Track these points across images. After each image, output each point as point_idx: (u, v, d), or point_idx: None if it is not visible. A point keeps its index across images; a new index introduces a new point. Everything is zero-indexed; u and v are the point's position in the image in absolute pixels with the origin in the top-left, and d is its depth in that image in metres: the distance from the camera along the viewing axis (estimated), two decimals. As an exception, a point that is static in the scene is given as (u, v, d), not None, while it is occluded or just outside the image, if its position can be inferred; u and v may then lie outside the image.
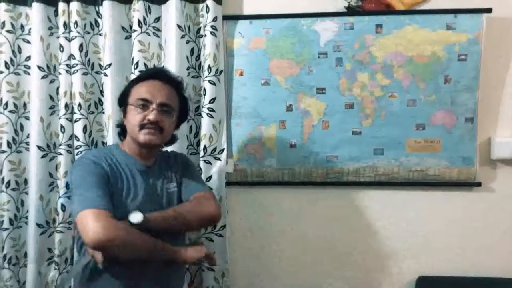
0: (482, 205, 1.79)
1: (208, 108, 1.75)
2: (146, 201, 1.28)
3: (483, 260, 1.80)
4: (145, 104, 1.28)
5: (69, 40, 1.76)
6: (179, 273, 1.41)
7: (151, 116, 1.26)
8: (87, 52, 1.78)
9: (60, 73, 1.77)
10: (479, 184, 1.78)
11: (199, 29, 1.79)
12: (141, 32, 1.75)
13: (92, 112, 1.80)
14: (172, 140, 1.44)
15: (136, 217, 1.17)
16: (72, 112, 1.77)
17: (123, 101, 1.35)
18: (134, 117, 1.28)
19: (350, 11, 1.77)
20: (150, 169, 1.34)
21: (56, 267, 1.80)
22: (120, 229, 1.13)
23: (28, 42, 1.80)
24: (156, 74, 1.37)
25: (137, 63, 1.74)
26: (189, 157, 1.79)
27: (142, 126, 1.27)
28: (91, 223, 1.10)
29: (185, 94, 1.43)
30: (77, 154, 1.76)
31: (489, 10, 1.71)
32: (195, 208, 1.31)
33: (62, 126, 1.77)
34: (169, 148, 1.49)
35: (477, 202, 1.79)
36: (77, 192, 1.19)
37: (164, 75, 1.37)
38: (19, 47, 1.80)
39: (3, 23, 1.77)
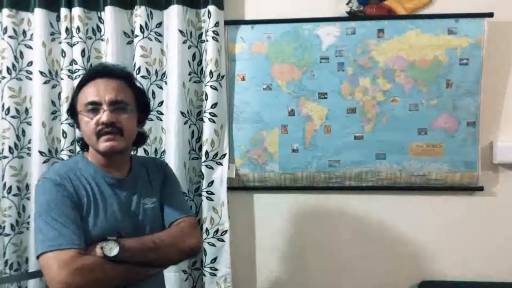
0: (485, 209, 1.79)
1: (210, 113, 1.75)
2: (119, 221, 1.15)
3: (486, 265, 1.80)
4: (94, 107, 1.12)
5: (71, 45, 1.76)
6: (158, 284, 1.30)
7: (104, 117, 1.10)
8: (89, 57, 1.78)
9: (62, 79, 1.77)
10: (481, 189, 1.77)
11: (201, 34, 1.80)
12: (143, 38, 1.75)
13: (94, 117, 1.80)
14: (141, 139, 1.29)
15: (111, 250, 1.04)
16: (74, 118, 1.76)
17: (73, 111, 1.19)
18: (87, 125, 1.12)
19: (352, 16, 1.77)
20: (122, 182, 1.19)
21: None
22: (89, 271, 1.01)
23: (30, 47, 1.81)
24: (99, 72, 1.19)
25: (139, 68, 1.75)
26: (191, 162, 1.80)
27: (98, 134, 1.11)
28: (54, 272, 0.99)
29: (138, 84, 1.26)
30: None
31: (490, 15, 1.71)
32: (176, 240, 1.18)
33: (64, 132, 1.77)
34: (142, 150, 1.38)
35: (480, 207, 1.79)
36: (38, 224, 1.06)
37: (108, 70, 1.20)
38: (21, 53, 1.81)
39: (5, 28, 1.77)
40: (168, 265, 1.26)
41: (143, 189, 1.23)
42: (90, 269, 1.02)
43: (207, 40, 1.75)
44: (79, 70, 1.75)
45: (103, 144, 1.12)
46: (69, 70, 1.77)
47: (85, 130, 1.14)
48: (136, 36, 1.75)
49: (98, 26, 1.81)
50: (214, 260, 1.78)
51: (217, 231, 1.78)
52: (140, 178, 1.25)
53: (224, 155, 1.79)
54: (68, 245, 1.03)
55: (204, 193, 1.77)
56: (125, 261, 1.07)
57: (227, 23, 1.79)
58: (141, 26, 1.74)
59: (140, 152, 1.71)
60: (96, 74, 1.18)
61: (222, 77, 1.77)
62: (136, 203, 1.20)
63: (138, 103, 1.22)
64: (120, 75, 1.20)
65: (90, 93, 1.14)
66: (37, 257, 1.04)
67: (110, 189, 1.16)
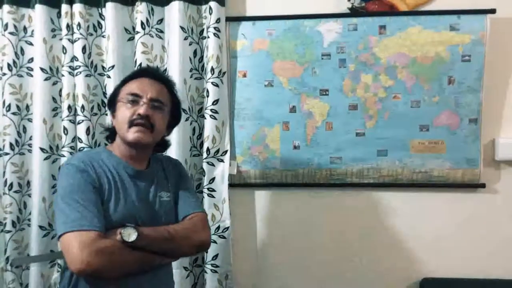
0: (486, 206, 1.79)
1: (211, 110, 1.75)
2: (137, 208, 1.19)
3: (487, 262, 1.79)
4: (135, 99, 1.20)
5: (72, 42, 1.75)
6: (168, 276, 1.35)
7: (141, 110, 1.18)
8: (90, 54, 1.78)
9: (63, 75, 1.77)
10: (483, 186, 1.77)
11: (202, 31, 1.79)
12: (144, 34, 1.75)
13: (95, 114, 1.80)
14: (165, 145, 1.38)
15: (130, 235, 1.08)
16: (75, 114, 1.76)
17: (113, 102, 1.28)
18: (124, 113, 1.20)
19: (354, 12, 1.77)
20: (141, 174, 1.25)
21: (59, 269, 1.79)
22: (108, 253, 1.05)
23: (31, 44, 1.80)
24: (146, 72, 1.32)
25: (140, 64, 1.74)
26: (192, 159, 1.80)
27: (131, 123, 1.18)
28: (76, 252, 1.02)
29: (177, 95, 1.34)
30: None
31: (493, 11, 1.70)
32: (189, 233, 1.23)
33: (65, 128, 1.76)
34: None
35: (481, 204, 1.79)
36: (61, 206, 1.10)
37: (155, 73, 1.32)
38: (22, 49, 1.80)
39: (6, 25, 1.77)
40: (179, 256, 1.33)
41: (159, 183, 1.28)
42: (110, 251, 1.05)
43: (208, 37, 1.74)
44: (80, 66, 1.74)
45: (133, 134, 1.18)
46: (70, 67, 1.76)
47: (120, 117, 1.21)
48: (137, 32, 1.75)
49: (99, 23, 1.81)
50: (216, 257, 1.78)
51: (218, 228, 1.78)
52: (157, 173, 1.31)
53: (226, 151, 1.79)
54: (90, 226, 1.06)
55: (205, 190, 1.77)
56: (141, 248, 1.11)
57: (229, 19, 1.79)
58: (142, 23, 1.74)
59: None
60: (143, 73, 1.30)
61: (224, 73, 1.76)
62: (153, 194, 1.25)
63: (173, 110, 1.30)
64: (164, 80, 1.30)
65: (134, 86, 1.23)
66: (58, 238, 1.08)
67: (130, 179, 1.22)
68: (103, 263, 1.03)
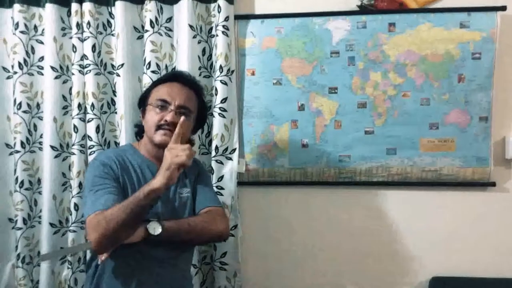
0: (497, 205, 1.77)
1: (219, 108, 1.75)
2: (158, 205, 1.27)
3: (498, 261, 1.78)
4: (163, 105, 1.30)
5: (82, 40, 1.77)
6: (187, 276, 1.43)
7: (169, 117, 1.27)
8: (99, 52, 1.79)
9: (73, 74, 1.78)
10: (493, 184, 1.75)
11: (210, 29, 1.80)
12: (153, 32, 1.75)
13: (105, 112, 1.81)
14: (189, 144, 1.42)
15: (155, 229, 1.19)
16: (85, 112, 1.77)
17: (143, 102, 1.38)
18: (152, 117, 1.30)
19: (363, 9, 1.76)
20: None
21: (69, 266, 1.80)
22: (103, 223, 1.11)
23: (42, 42, 1.81)
24: (177, 76, 1.40)
25: (149, 63, 1.75)
26: (201, 157, 1.81)
27: (159, 127, 1.28)
28: (90, 235, 1.13)
29: (204, 101, 1.44)
30: (90, 154, 1.77)
31: (503, 8, 1.69)
32: (208, 225, 1.30)
33: (75, 126, 1.78)
34: None
35: (492, 202, 1.77)
36: (85, 195, 1.23)
37: (185, 78, 1.40)
38: (32, 48, 1.82)
39: (17, 24, 1.78)
40: (200, 245, 1.52)
41: (179, 181, 1.34)
42: (107, 220, 1.11)
43: (217, 35, 1.74)
44: (89, 65, 1.75)
45: (159, 137, 1.28)
46: (80, 65, 1.77)
47: (149, 120, 1.31)
48: (147, 31, 1.75)
49: (108, 21, 1.81)
50: (224, 254, 1.78)
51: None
52: None
53: (234, 150, 1.79)
54: (103, 207, 1.14)
55: (214, 188, 1.77)
56: (164, 240, 1.21)
57: (237, 17, 1.79)
58: (151, 21, 1.74)
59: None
60: (173, 77, 1.39)
61: (232, 71, 1.76)
62: (173, 191, 1.34)
63: (199, 114, 1.39)
64: (193, 85, 1.39)
65: (164, 92, 1.32)
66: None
67: (152, 177, 1.25)
68: (104, 232, 1.11)
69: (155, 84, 1.39)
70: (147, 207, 1.14)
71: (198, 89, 1.41)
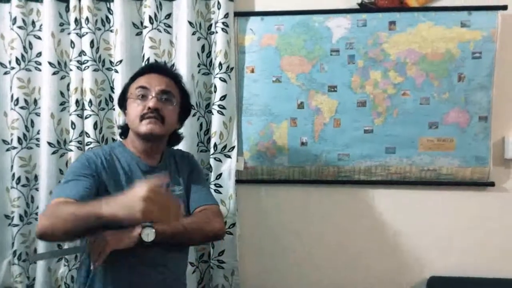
0: (496, 205, 1.77)
1: (218, 105, 1.74)
2: None
3: (496, 261, 1.78)
4: (144, 93, 1.25)
5: (80, 36, 1.75)
6: (180, 278, 1.38)
7: (151, 103, 1.22)
8: (98, 48, 1.77)
9: (71, 69, 1.77)
10: (492, 184, 1.75)
11: (210, 26, 1.79)
12: (152, 29, 1.74)
13: (103, 109, 1.80)
14: (177, 138, 1.41)
15: (149, 235, 1.14)
16: (83, 109, 1.76)
17: (123, 100, 1.34)
18: (134, 109, 1.25)
19: (363, 7, 1.75)
20: (154, 169, 1.29)
21: (66, 263, 1.80)
22: (52, 215, 1.04)
23: (39, 38, 1.80)
24: (153, 67, 1.36)
25: (148, 59, 1.74)
26: (199, 154, 1.80)
27: (142, 117, 1.23)
28: (41, 219, 1.05)
29: (185, 88, 1.38)
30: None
31: (504, 8, 1.68)
32: (203, 225, 1.26)
33: (72, 123, 1.76)
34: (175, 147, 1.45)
35: (491, 202, 1.77)
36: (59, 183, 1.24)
37: (162, 67, 1.36)
38: (30, 43, 1.80)
39: (15, 19, 1.76)
40: (195, 245, 1.51)
41: (171, 178, 1.31)
42: (56, 213, 1.05)
43: (216, 32, 1.73)
44: (88, 61, 1.74)
45: (145, 126, 1.22)
46: (78, 61, 1.76)
47: (131, 113, 1.25)
48: (145, 27, 1.74)
49: (107, 17, 1.80)
50: (222, 253, 1.77)
51: (225, 224, 1.76)
52: (170, 168, 1.34)
53: (233, 147, 1.78)
54: (60, 196, 1.10)
55: (212, 186, 1.76)
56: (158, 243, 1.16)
57: (237, 14, 1.78)
58: (150, 17, 1.73)
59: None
60: (150, 69, 1.34)
61: (231, 69, 1.75)
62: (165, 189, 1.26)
63: (182, 103, 1.33)
64: (171, 74, 1.33)
65: (142, 81, 1.27)
66: None
67: (142, 175, 1.25)
68: (46, 224, 1.03)
69: (132, 79, 1.34)
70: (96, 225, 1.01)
71: (177, 77, 1.35)
